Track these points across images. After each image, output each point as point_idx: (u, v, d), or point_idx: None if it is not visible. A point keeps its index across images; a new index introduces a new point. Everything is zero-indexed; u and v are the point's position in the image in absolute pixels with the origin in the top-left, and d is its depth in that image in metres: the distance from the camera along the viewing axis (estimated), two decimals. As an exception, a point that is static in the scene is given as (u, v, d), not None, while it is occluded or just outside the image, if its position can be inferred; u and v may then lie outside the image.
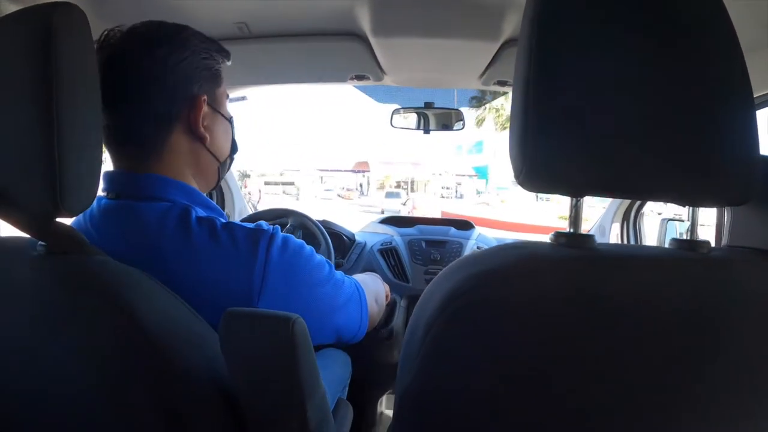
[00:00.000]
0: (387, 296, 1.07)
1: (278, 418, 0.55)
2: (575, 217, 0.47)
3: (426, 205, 18.90)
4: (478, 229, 1.61)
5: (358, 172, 42.68)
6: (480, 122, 20.16)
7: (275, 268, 0.64)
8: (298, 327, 0.51)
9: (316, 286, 0.68)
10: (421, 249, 1.56)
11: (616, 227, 1.56)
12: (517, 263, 0.45)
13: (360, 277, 0.87)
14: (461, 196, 31.22)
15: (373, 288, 0.90)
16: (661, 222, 1.42)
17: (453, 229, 1.60)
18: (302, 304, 0.66)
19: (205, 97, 0.67)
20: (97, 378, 0.54)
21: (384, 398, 1.59)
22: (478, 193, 29.23)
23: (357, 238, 1.57)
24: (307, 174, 40.63)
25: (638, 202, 1.49)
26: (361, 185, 42.84)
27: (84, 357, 0.54)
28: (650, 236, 1.61)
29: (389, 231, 1.60)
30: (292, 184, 36.33)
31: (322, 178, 42.77)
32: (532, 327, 0.42)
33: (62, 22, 0.49)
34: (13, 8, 0.54)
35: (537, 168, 0.44)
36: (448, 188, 34.06)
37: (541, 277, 0.43)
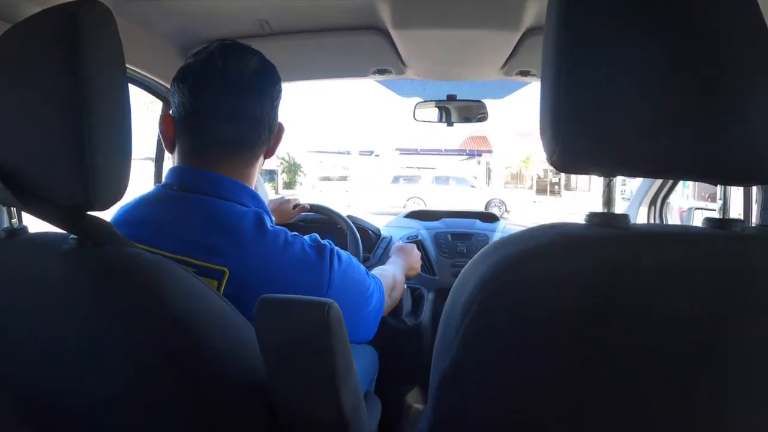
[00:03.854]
0: (416, 269, 1.36)
1: (313, 404, 0.62)
2: (608, 197, 0.53)
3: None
4: (503, 222, 1.87)
5: (472, 154, 30.03)
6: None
7: (337, 277, 0.81)
8: (333, 312, 0.57)
9: (361, 291, 0.88)
10: (447, 242, 1.75)
11: (642, 213, 1.76)
12: (552, 243, 0.50)
13: (382, 268, 1.14)
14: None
15: (390, 283, 1.12)
16: (688, 210, 1.36)
17: (479, 222, 1.84)
18: (350, 305, 0.78)
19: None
20: (129, 366, 0.60)
21: (411, 392, 1.83)
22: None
23: (383, 232, 1.85)
24: (387, 157, 28.96)
25: (664, 191, 1.71)
26: (475, 179, 29.82)
27: (116, 346, 0.60)
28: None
29: (415, 225, 1.90)
30: (344, 179, 27.42)
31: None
32: (566, 306, 0.47)
33: (87, 17, 0.56)
34: (35, 9, 0.64)
35: (570, 148, 0.50)
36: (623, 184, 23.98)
37: (576, 256, 0.48)
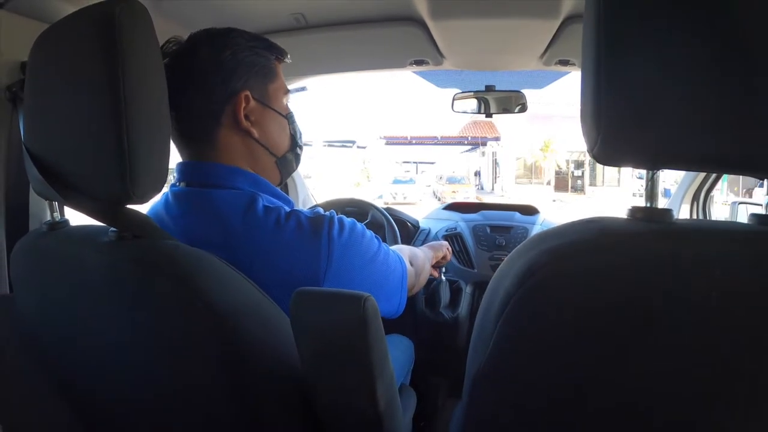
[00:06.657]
0: (446, 256, 1.34)
1: (348, 397, 0.65)
2: (651, 191, 0.54)
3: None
4: (543, 215, 1.94)
5: (474, 144, 25.84)
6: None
7: (337, 250, 0.79)
8: (370, 305, 0.60)
9: (372, 261, 0.86)
10: (486, 234, 1.80)
11: (684, 210, 1.81)
12: (594, 237, 0.51)
13: (396, 246, 1.12)
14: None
15: (408, 252, 1.13)
16: (732, 205, 1.35)
17: (518, 215, 1.91)
18: (360, 279, 0.81)
19: (248, 93, 0.86)
20: (169, 358, 0.64)
21: (446, 385, 1.89)
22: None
23: (421, 224, 1.93)
24: (374, 149, 24.41)
25: (707, 185, 1.78)
26: (477, 174, 25.90)
27: (156, 338, 0.64)
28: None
29: (453, 217, 1.97)
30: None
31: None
32: (610, 300, 0.49)
33: (125, 16, 0.60)
34: (71, 9, 0.70)
35: (612, 140, 0.50)
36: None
37: (618, 250, 0.49)
